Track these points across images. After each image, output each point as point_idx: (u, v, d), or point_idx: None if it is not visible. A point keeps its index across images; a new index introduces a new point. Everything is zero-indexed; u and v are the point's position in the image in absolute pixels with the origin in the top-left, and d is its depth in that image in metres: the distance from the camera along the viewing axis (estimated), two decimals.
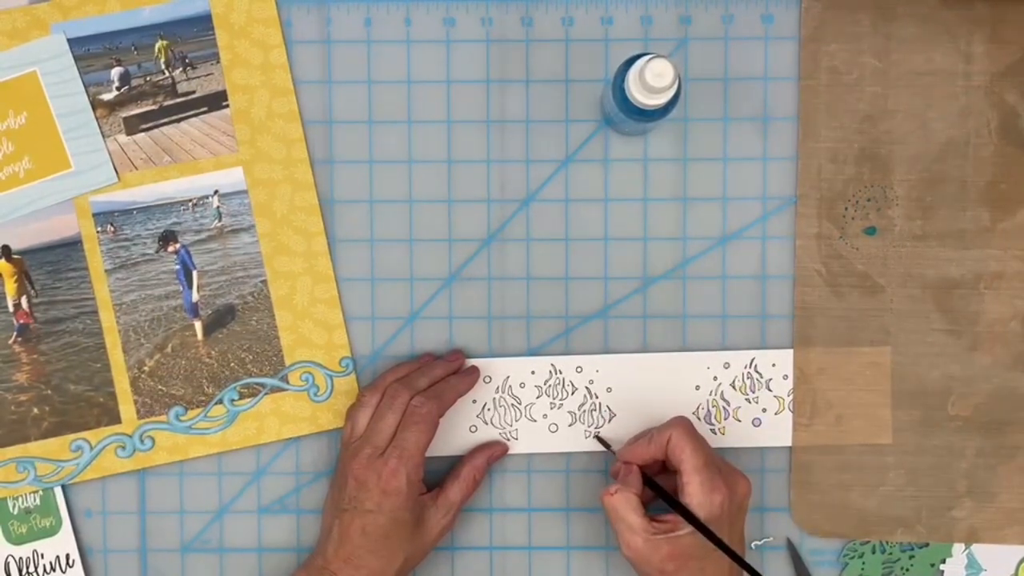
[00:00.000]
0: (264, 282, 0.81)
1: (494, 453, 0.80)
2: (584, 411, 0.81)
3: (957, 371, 0.81)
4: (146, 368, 0.81)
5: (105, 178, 0.81)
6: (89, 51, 0.81)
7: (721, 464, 0.73)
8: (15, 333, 0.81)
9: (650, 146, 0.82)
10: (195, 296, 0.81)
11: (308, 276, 0.81)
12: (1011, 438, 0.82)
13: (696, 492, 0.71)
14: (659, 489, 0.73)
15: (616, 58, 0.80)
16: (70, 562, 0.81)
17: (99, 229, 0.81)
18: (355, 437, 0.76)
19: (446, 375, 0.79)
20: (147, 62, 0.81)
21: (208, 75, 0.81)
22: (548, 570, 0.82)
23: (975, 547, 0.82)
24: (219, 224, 0.81)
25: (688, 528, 0.71)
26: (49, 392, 0.81)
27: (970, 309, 0.81)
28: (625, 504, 0.72)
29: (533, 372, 0.81)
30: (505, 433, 0.81)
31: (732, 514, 0.72)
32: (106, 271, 0.81)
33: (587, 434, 0.81)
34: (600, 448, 0.81)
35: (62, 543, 0.81)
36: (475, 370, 0.80)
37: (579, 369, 0.81)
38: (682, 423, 0.74)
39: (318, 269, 0.81)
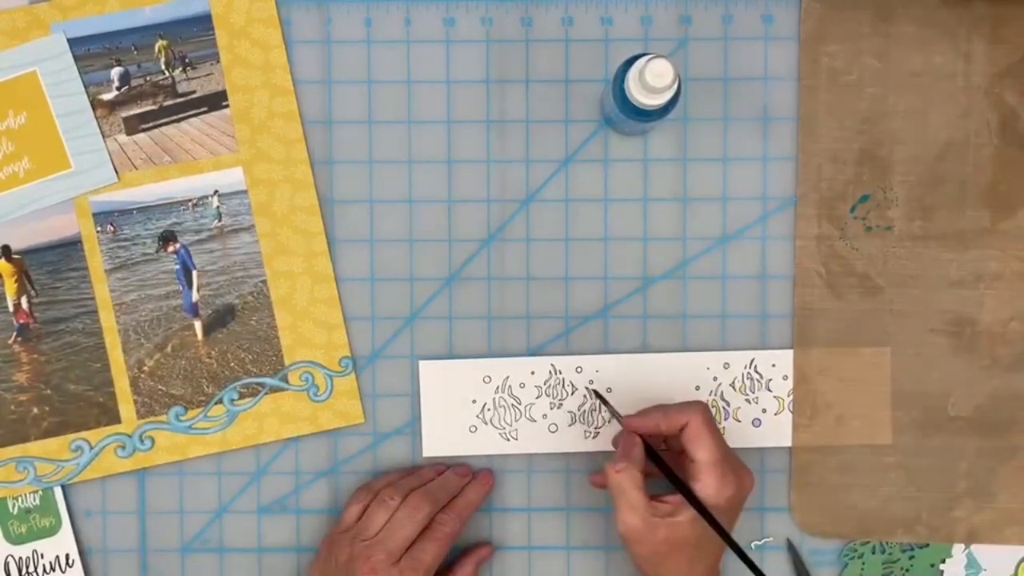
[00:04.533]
0: (264, 282, 0.81)
1: (482, 557, 0.80)
2: (584, 411, 0.81)
3: (957, 371, 0.81)
4: (146, 368, 0.81)
5: (105, 178, 0.81)
6: (89, 51, 0.81)
7: (732, 458, 0.73)
8: (15, 333, 0.81)
9: (650, 146, 0.82)
10: (195, 296, 0.81)
11: (308, 276, 0.81)
12: (1011, 439, 0.82)
13: (710, 485, 0.70)
14: (669, 472, 0.72)
15: (616, 58, 0.80)
16: (70, 562, 0.81)
17: (99, 229, 0.81)
18: (366, 533, 0.75)
19: (460, 488, 0.79)
20: (147, 62, 0.81)
21: (208, 75, 0.81)
22: (548, 570, 0.82)
23: (975, 547, 0.82)
24: (219, 224, 0.81)
25: (688, 514, 0.70)
26: (49, 392, 0.81)
27: (970, 309, 0.81)
28: (630, 482, 0.71)
29: (533, 372, 0.81)
30: (505, 433, 0.81)
31: (735, 508, 0.72)
32: (106, 271, 0.81)
33: (587, 434, 0.81)
34: (599, 449, 0.81)
35: (62, 543, 0.81)
36: (489, 477, 0.81)
37: (579, 369, 0.81)
38: (701, 411, 0.72)
39: (318, 269, 0.81)
